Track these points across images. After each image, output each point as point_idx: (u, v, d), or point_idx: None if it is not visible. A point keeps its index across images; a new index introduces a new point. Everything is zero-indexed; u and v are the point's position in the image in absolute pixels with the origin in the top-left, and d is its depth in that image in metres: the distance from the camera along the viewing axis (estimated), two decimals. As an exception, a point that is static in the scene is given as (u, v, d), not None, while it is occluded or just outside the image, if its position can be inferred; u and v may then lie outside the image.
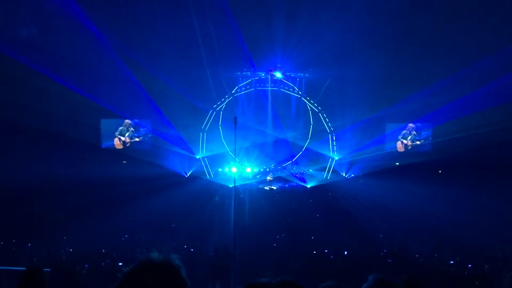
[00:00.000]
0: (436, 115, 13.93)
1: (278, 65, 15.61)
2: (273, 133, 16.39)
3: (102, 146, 15.01)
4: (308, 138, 16.27)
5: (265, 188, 16.35)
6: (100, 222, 11.63)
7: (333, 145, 16.15)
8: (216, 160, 16.19)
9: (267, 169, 16.80)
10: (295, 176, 16.47)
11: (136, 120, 15.32)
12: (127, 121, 15.22)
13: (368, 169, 15.29)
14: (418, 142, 14.92)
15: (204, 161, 16.08)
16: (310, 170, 16.55)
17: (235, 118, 8.61)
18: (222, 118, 15.97)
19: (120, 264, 8.24)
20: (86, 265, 8.42)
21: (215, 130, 16.04)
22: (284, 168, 16.65)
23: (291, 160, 16.61)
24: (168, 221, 13.66)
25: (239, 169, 15.75)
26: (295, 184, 16.43)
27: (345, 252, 9.73)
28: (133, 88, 13.37)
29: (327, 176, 16.20)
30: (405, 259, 8.96)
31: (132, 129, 15.31)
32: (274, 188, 16.40)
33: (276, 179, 16.90)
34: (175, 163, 15.35)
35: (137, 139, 15.20)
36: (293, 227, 12.99)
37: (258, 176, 16.57)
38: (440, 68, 12.51)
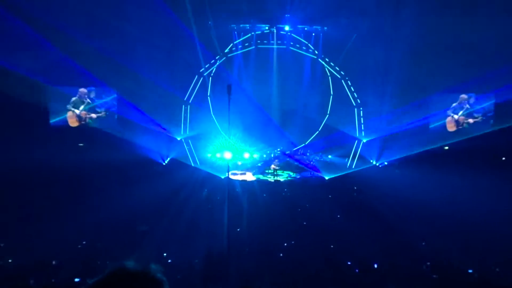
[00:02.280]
0: (499, 82, 13.77)
1: (286, 15, 15.52)
2: (280, 106, 16.42)
3: (51, 123, 14.95)
4: (326, 113, 16.31)
5: (269, 179, 16.42)
6: (47, 224, 11.43)
7: (360, 123, 16.17)
8: (204, 142, 16.27)
9: (272, 155, 16.90)
10: (309, 164, 16.55)
11: (94, 88, 15.22)
12: (82, 89, 15.11)
13: (406, 155, 15.20)
14: (471, 120, 14.87)
15: (188, 144, 16.15)
16: (329, 157, 16.64)
17: (229, 86, 8.82)
18: (212, 86, 16.04)
19: (76, 280, 8.28)
20: (31, 281, 8.33)
21: (203, 103, 16.09)
22: (294, 153, 16.79)
23: (304, 143, 16.66)
24: (140, 223, 13.64)
25: (234, 155, 15.83)
26: (309, 175, 16.52)
27: (375, 265, 9.53)
28: (88, 44, 13.40)
29: (351, 164, 16.31)
30: (455, 275, 8.81)
31: (89, 100, 15.23)
32: (281, 179, 16.43)
33: (284, 168, 16.99)
34: (149, 147, 15.37)
35: (95, 115, 15.20)
36: (306, 232, 12.94)
37: (259, 164, 16.66)
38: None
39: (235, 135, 15.92)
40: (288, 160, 17.00)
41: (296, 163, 16.95)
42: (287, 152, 16.91)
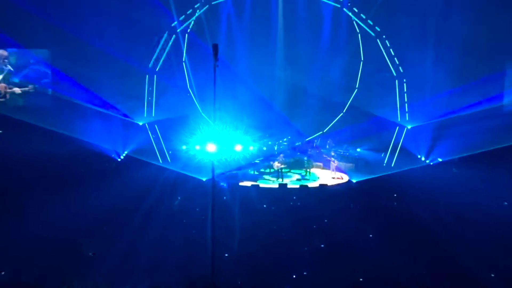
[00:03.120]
0: None
1: None
2: (287, 78, 16.90)
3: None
4: (355, 88, 16.76)
5: (271, 182, 16.39)
6: None
7: (403, 102, 16.45)
8: (177, 129, 16.55)
9: (275, 147, 17.25)
10: (329, 161, 16.66)
11: (16, 50, 15.49)
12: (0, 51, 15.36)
13: (469, 149, 15.28)
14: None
15: (153, 132, 16.48)
16: (358, 150, 17.01)
17: (215, 47, 8.64)
18: (189, 48, 16.36)
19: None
20: None
21: (176, 71, 16.54)
22: (308, 145, 17.16)
23: (322, 131, 17.14)
24: (85, 244, 13.51)
25: (220, 147, 15.56)
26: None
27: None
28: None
29: (390, 161, 16.53)
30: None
31: (10, 67, 15.50)
32: (288, 183, 16.40)
33: (292, 166, 17.21)
34: (97, 136, 15.53)
35: (19, 89, 15.43)
36: (324, 258, 12.84)
37: (257, 161, 16.97)
38: None
39: (222, 119, 15.71)
40: (298, 155, 17.20)
41: (309, 159, 17.11)
42: (296, 144, 17.20)
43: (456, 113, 15.58)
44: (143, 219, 14.01)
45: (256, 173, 17.08)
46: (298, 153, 16.98)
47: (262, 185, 16.19)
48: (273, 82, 16.78)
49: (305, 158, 17.03)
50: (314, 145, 17.08)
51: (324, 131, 16.98)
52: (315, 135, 17.04)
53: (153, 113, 16.31)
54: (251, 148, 16.72)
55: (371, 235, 13.77)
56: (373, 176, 15.99)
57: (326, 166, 16.86)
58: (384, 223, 13.95)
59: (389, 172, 16.04)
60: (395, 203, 15.51)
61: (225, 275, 10.52)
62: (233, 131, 16.31)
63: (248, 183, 16.14)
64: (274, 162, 16.78)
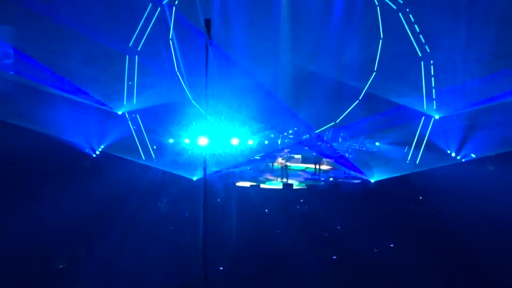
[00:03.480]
0: None
1: None
2: (292, 60, 16.97)
3: None
4: (373, 71, 16.71)
5: (274, 183, 16.38)
6: None
7: (430, 87, 16.41)
8: (163, 120, 16.70)
9: (279, 141, 17.35)
10: (342, 157, 16.71)
11: None
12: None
13: (509, 144, 15.33)
14: None
15: (135, 123, 16.53)
16: (377, 144, 17.09)
17: (208, 22, 8.62)
18: (176, 22, 16.33)
19: None
20: None
21: (161, 51, 16.56)
22: (317, 139, 17.21)
23: (334, 122, 17.11)
24: (55, 254, 13.46)
25: (213, 141, 15.77)
26: (342, 176, 16.61)
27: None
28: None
29: (414, 157, 16.50)
30: None
31: None
32: (296, 185, 16.37)
33: (298, 164, 17.15)
34: (68, 128, 15.61)
35: None
36: (338, 272, 12.79)
37: (257, 157, 17.05)
38: None
39: (216, 108, 15.74)
40: (305, 151, 17.27)
41: (319, 155, 17.06)
42: (304, 137, 17.24)
43: (493, 100, 15.60)
44: (123, 227, 13.86)
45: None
46: (306, 148, 16.98)
47: (263, 185, 16.10)
48: (275, 64, 16.89)
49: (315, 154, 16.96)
50: (325, 138, 17.09)
51: (337, 122, 16.93)
52: (325, 127, 17.00)
53: (135, 100, 16.27)
54: (250, 142, 16.77)
55: (392, 245, 13.69)
56: (395, 175, 15.96)
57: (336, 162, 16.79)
58: (408, 232, 13.86)
59: (413, 171, 16.04)
60: (420, 208, 15.49)
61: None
62: (229, 122, 16.39)
63: (246, 184, 16.07)
64: (277, 158, 16.72)
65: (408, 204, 15.51)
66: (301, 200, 15.91)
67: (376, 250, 13.27)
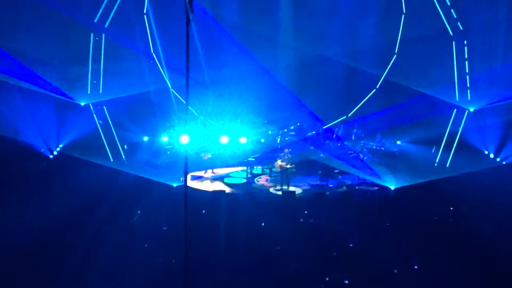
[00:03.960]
0: None
1: None
2: (296, 40, 17.04)
3: None
4: (393, 54, 16.87)
5: (273, 188, 16.42)
6: None
7: (463, 74, 16.50)
8: (136, 113, 16.85)
9: (278, 139, 17.53)
10: (356, 158, 16.72)
11: None
12: None
13: None
14: None
15: (101, 117, 16.65)
16: (398, 143, 17.24)
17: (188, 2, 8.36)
18: None
19: None
20: None
21: (134, 29, 16.67)
22: (325, 136, 17.39)
23: (346, 116, 17.35)
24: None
25: (197, 139, 16.24)
26: (355, 182, 16.61)
27: None
28: None
29: (444, 159, 16.55)
30: None
31: None
32: (299, 192, 16.39)
33: (302, 167, 17.05)
34: (19, 123, 15.75)
35: None
36: None
37: (252, 158, 17.06)
38: None
39: (201, 99, 16.06)
40: (311, 151, 17.30)
41: (328, 155, 17.08)
42: (309, 134, 17.33)
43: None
44: (84, 247, 13.87)
45: (248, 175, 17.05)
46: (312, 147, 17.03)
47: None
48: (277, 46, 17.02)
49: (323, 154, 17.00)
50: (334, 135, 17.22)
51: (349, 115, 17.00)
52: (336, 121, 17.07)
53: (101, 89, 16.33)
54: (243, 140, 16.88)
55: (416, 267, 13.70)
56: (420, 182, 15.95)
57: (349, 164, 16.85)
58: (435, 251, 13.80)
59: (442, 176, 15.96)
60: (451, 220, 15.53)
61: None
62: (217, 116, 16.59)
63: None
64: (276, 160, 16.58)
65: (436, 216, 15.53)
66: (305, 212, 15.99)
67: (395, 272, 13.31)
